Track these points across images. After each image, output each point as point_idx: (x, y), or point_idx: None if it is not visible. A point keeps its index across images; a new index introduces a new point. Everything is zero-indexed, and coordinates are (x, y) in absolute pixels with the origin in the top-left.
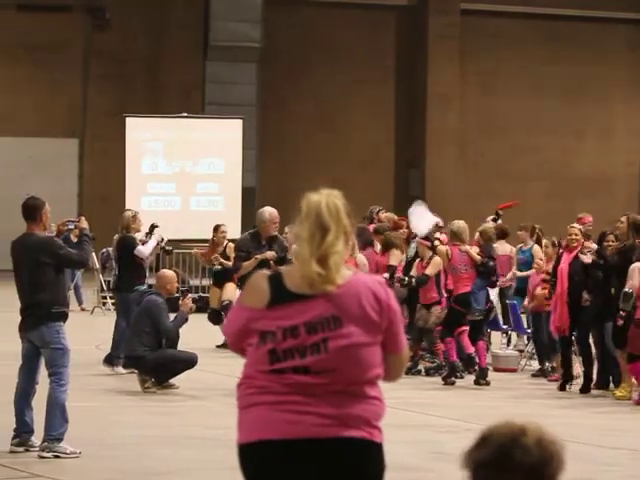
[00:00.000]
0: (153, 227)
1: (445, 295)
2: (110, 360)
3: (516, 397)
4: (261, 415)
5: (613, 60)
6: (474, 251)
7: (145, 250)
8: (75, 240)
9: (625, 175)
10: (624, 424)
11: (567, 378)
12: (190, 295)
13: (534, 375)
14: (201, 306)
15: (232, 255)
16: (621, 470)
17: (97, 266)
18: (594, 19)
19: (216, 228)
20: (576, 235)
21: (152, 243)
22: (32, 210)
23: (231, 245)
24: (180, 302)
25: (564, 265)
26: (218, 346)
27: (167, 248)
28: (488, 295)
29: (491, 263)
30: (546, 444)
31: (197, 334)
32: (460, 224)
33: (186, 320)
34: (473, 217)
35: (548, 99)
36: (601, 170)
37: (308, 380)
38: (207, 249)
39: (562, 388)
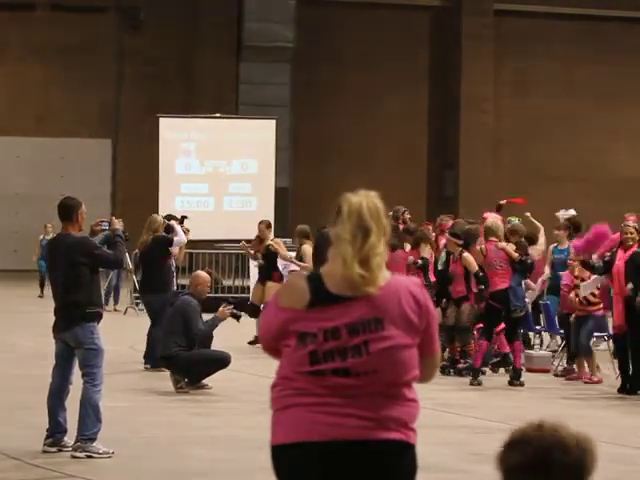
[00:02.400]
0: (183, 218)
1: (475, 291)
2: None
3: (549, 398)
4: (300, 416)
5: None
6: (510, 248)
7: (182, 237)
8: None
9: None
10: None
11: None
12: (231, 307)
13: (556, 375)
14: (239, 315)
15: (278, 249)
16: None
17: (130, 267)
18: (628, 19)
19: (263, 223)
20: (631, 233)
21: (179, 229)
22: (68, 210)
23: (277, 240)
24: (220, 309)
25: (620, 263)
26: (250, 342)
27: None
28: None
29: (529, 260)
30: (583, 443)
31: (230, 333)
32: (495, 220)
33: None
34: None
35: (582, 99)
36: (635, 171)
37: (348, 382)
38: (253, 245)
39: (621, 391)
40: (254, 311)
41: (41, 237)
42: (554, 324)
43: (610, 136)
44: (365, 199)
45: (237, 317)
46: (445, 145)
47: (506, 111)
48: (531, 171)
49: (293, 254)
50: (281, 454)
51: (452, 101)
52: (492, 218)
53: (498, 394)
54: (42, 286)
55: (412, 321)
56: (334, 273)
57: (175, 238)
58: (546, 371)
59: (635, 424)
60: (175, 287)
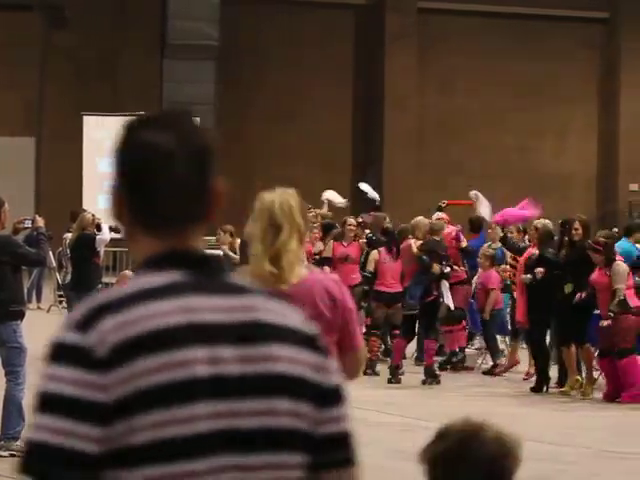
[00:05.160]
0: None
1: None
2: None
3: (473, 395)
4: None
5: (570, 59)
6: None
7: (105, 236)
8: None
9: (582, 175)
10: (582, 422)
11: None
12: None
13: (484, 373)
14: None
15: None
16: (578, 468)
17: (54, 265)
18: (551, 17)
19: None
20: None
21: (106, 229)
22: None
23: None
24: None
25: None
26: None
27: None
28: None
29: (424, 257)
30: (503, 439)
31: None
32: (418, 219)
33: None
34: (430, 215)
35: (505, 97)
36: (558, 170)
37: None
38: None
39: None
40: None
41: None
42: (477, 322)
43: (533, 134)
44: (279, 197)
45: None
46: (368, 142)
47: (429, 109)
48: (454, 168)
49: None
50: None
51: (375, 99)
52: (420, 218)
53: (420, 392)
54: None
55: (326, 317)
56: (247, 271)
57: (98, 237)
58: (471, 369)
59: (561, 421)
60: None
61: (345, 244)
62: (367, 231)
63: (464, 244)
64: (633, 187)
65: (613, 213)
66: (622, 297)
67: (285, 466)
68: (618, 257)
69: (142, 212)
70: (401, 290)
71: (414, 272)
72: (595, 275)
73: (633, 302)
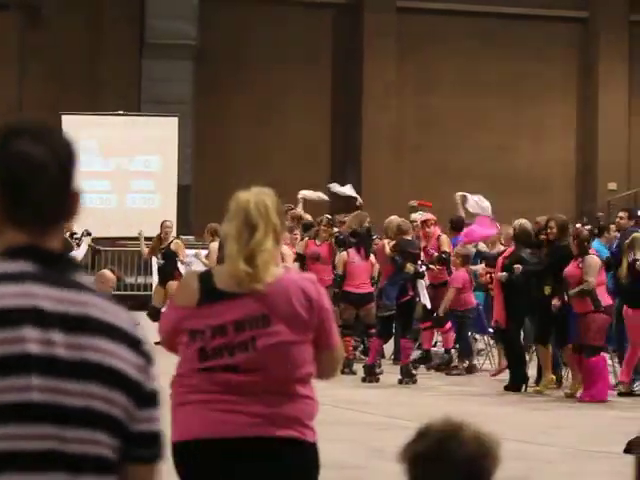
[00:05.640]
0: (86, 234)
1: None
2: None
3: (450, 395)
4: (192, 414)
5: (550, 58)
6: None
7: (78, 255)
8: None
9: (561, 174)
10: (558, 421)
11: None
12: None
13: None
14: (136, 305)
15: (178, 250)
16: (554, 467)
17: None
18: (531, 17)
19: (162, 224)
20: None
21: (84, 248)
22: None
23: (177, 241)
24: None
25: (500, 260)
26: (157, 343)
27: (98, 248)
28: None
29: (396, 258)
30: (482, 438)
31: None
32: (391, 219)
33: None
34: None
35: (485, 97)
36: (537, 169)
37: (238, 379)
38: (153, 244)
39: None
40: (155, 314)
41: None
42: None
43: (512, 133)
44: (254, 196)
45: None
46: (348, 142)
47: (408, 108)
48: (434, 168)
49: (203, 252)
50: (177, 451)
51: (354, 97)
52: (395, 217)
53: (398, 391)
54: None
55: (302, 317)
56: (223, 270)
57: (74, 252)
58: (454, 368)
59: (539, 420)
60: None
61: (318, 243)
62: (335, 230)
63: (445, 248)
64: (612, 186)
65: (592, 212)
66: (587, 288)
67: (96, 443)
68: (592, 251)
69: (13, 211)
70: (371, 291)
71: (389, 272)
72: (568, 268)
73: (604, 300)
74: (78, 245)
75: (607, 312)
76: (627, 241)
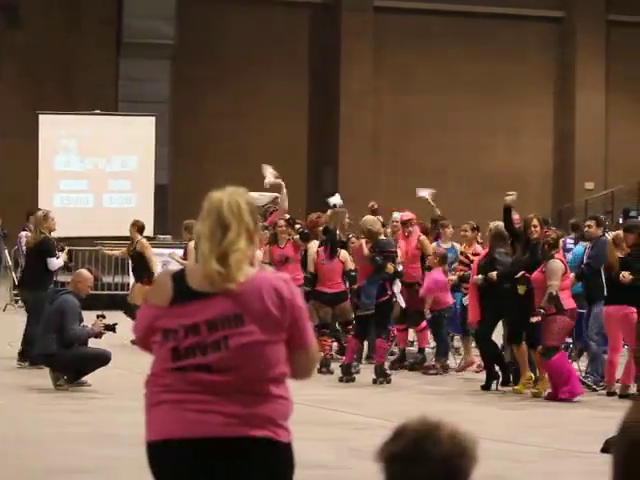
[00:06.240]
0: (65, 250)
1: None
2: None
3: (429, 394)
4: (166, 413)
5: (526, 58)
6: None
7: (55, 265)
8: None
9: (537, 173)
10: (535, 420)
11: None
12: (104, 321)
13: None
14: (113, 326)
15: (144, 250)
16: (532, 467)
17: (9, 263)
18: (507, 16)
19: (133, 224)
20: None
21: (61, 262)
22: None
23: (142, 241)
24: (94, 321)
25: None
26: (133, 342)
27: (69, 265)
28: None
29: (377, 258)
30: (458, 438)
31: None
32: (366, 218)
33: (97, 336)
34: (387, 213)
35: (462, 96)
36: (513, 168)
37: (211, 378)
38: (127, 245)
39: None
40: (132, 311)
41: None
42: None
43: (489, 132)
44: (227, 196)
45: (112, 329)
46: (324, 141)
47: (385, 107)
48: (411, 168)
49: (178, 251)
50: (152, 451)
51: (331, 97)
52: (368, 217)
53: (377, 391)
54: None
55: (274, 317)
56: (197, 270)
57: (53, 260)
58: (429, 368)
59: (516, 419)
60: (53, 285)
61: (281, 246)
62: (297, 226)
63: (429, 251)
64: (589, 186)
65: (569, 212)
66: (553, 293)
67: None
68: (557, 255)
69: None
70: (344, 289)
71: (367, 272)
72: (535, 272)
73: (568, 303)
74: (60, 250)
75: (570, 315)
76: None
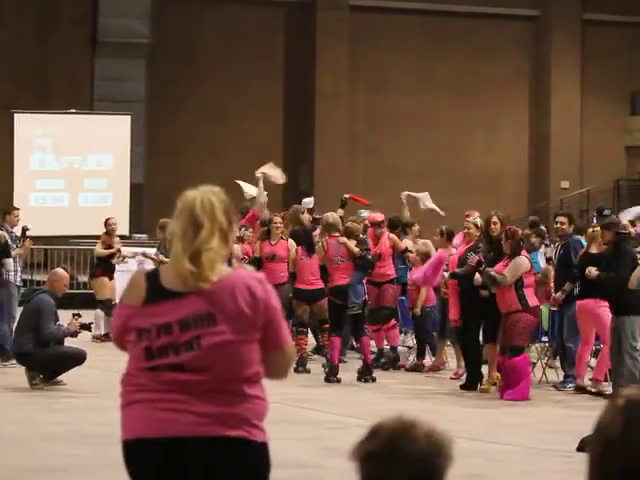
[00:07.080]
0: (25, 230)
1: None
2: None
3: (405, 393)
4: (139, 413)
5: (502, 57)
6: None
7: (9, 266)
8: None
9: (513, 172)
10: (511, 420)
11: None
12: (80, 320)
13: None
14: (89, 325)
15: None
16: (509, 465)
17: None
18: (482, 15)
19: (106, 221)
20: (469, 229)
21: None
22: None
23: (117, 239)
24: (70, 321)
25: (454, 258)
26: (95, 338)
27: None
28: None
29: (369, 256)
30: (434, 437)
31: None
32: (335, 215)
33: (72, 335)
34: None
35: (438, 95)
36: (489, 167)
37: (184, 378)
38: (104, 241)
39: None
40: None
41: None
42: (407, 319)
43: (465, 132)
44: (200, 195)
45: (88, 328)
46: (300, 140)
47: (361, 106)
48: (386, 166)
49: (151, 250)
50: (126, 450)
51: (307, 96)
52: (331, 214)
53: (354, 390)
54: None
55: (247, 316)
56: (170, 269)
57: (6, 260)
58: (402, 367)
59: (494, 419)
60: (20, 282)
61: (272, 243)
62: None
63: (401, 245)
64: (564, 184)
65: (544, 210)
66: (491, 272)
67: None
68: (524, 253)
69: None
70: (322, 287)
71: (352, 271)
72: (497, 267)
73: (532, 301)
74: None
75: (533, 313)
76: None
